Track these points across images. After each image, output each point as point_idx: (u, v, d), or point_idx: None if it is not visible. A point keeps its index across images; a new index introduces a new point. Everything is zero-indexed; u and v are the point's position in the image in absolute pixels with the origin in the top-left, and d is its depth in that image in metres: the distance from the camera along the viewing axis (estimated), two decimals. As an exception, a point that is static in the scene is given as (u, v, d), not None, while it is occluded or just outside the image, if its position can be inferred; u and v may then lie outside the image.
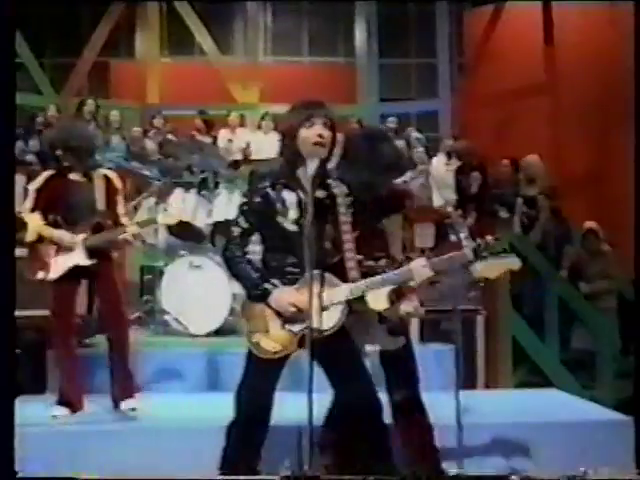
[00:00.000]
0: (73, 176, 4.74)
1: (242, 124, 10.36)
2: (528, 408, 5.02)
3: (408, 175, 7.89)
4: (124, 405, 4.65)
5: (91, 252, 4.63)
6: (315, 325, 3.23)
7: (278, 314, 3.31)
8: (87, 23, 12.79)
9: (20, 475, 3.40)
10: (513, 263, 3.24)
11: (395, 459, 3.57)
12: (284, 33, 14.10)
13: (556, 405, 5.18)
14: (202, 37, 12.50)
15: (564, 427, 4.52)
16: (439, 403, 3.65)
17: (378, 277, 3.31)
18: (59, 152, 4.74)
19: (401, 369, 3.70)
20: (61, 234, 4.63)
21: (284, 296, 3.28)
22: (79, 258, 4.63)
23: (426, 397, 3.93)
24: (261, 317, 3.33)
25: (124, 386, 4.71)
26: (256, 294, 3.33)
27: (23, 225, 4.63)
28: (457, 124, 11.89)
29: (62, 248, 4.63)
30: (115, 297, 4.78)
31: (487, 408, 4.73)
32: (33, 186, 4.74)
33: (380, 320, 3.51)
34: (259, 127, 9.90)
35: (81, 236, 4.63)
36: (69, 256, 4.63)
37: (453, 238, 3.37)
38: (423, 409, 3.73)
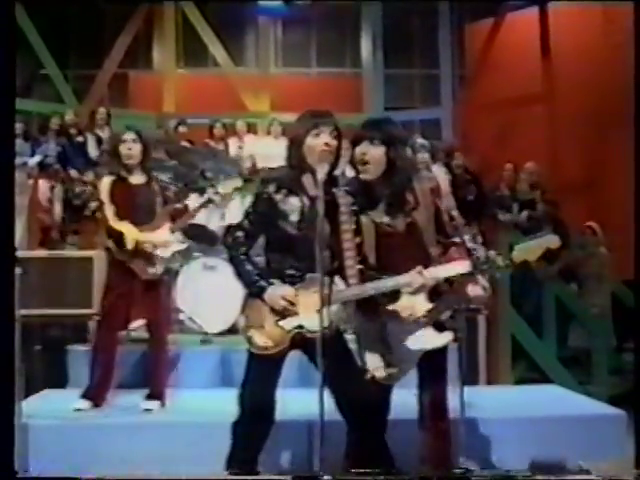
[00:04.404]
0: (134, 179, 4.72)
1: (250, 131, 10.34)
2: (529, 403, 4.97)
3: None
4: (143, 404, 4.64)
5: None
6: (308, 325, 3.22)
7: (273, 311, 3.28)
8: (108, 36, 12.79)
9: (21, 475, 3.37)
10: (551, 241, 3.08)
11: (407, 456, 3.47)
12: (294, 45, 14.05)
13: (556, 400, 5.12)
14: (216, 49, 12.48)
15: (564, 421, 4.46)
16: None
17: (370, 283, 3.23)
18: (110, 161, 4.80)
19: (436, 368, 3.41)
20: (156, 236, 4.66)
21: (277, 291, 3.26)
22: (176, 245, 4.80)
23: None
24: (258, 313, 3.31)
25: (152, 387, 4.70)
26: (252, 290, 3.31)
27: (117, 233, 4.61)
28: (459, 131, 11.84)
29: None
30: (159, 302, 4.80)
31: (489, 403, 4.67)
32: (105, 195, 4.68)
33: (426, 322, 3.27)
34: (268, 133, 9.87)
35: (166, 226, 4.69)
36: (167, 247, 4.71)
37: (457, 240, 3.30)
38: (447, 410, 3.47)
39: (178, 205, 4.91)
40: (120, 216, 4.63)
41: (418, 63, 13.98)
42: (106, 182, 4.70)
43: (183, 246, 4.85)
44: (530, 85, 10.99)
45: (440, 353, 3.33)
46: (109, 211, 4.64)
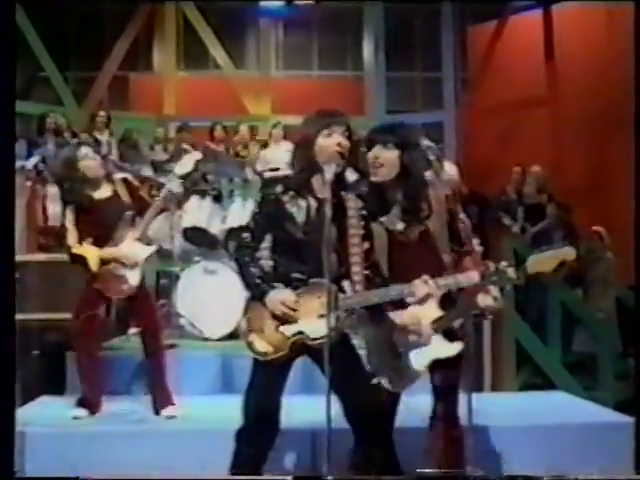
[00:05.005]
0: (97, 195, 4.62)
1: (253, 136, 10.25)
2: (537, 410, 4.88)
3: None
4: (165, 413, 4.57)
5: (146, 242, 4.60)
6: (309, 331, 3.15)
7: (274, 315, 3.20)
8: (108, 39, 12.76)
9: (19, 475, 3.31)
10: (568, 253, 2.97)
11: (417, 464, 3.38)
12: (295, 48, 14.01)
13: (564, 407, 5.04)
14: (217, 51, 12.44)
15: (573, 429, 4.38)
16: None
17: (376, 291, 3.14)
18: (69, 185, 4.66)
19: (448, 377, 3.34)
20: (120, 249, 4.52)
21: (277, 296, 3.18)
22: (145, 250, 4.58)
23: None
24: (259, 317, 3.23)
25: (162, 394, 4.63)
26: (255, 293, 3.24)
27: (80, 258, 4.51)
28: (461, 135, 11.77)
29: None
30: (151, 313, 4.73)
31: (497, 411, 4.58)
32: (69, 221, 4.58)
33: (435, 329, 3.20)
34: (269, 136, 9.77)
35: (129, 235, 4.53)
36: (135, 258, 4.55)
37: (470, 247, 3.21)
38: (458, 419, 3.41)
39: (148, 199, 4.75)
40: (84, 237, 4.53)
41: (420, 66, 13.94)
42: (70, 209, 4.59)
43: (151, 250, 4.60)
44: (534, 88, 10.93)
45: (453, 362, 3.24)
46: (72, 237, 4.54)
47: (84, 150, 4.61)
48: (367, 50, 12.93)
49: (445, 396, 3.35)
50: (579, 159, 10.28)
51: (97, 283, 4.52)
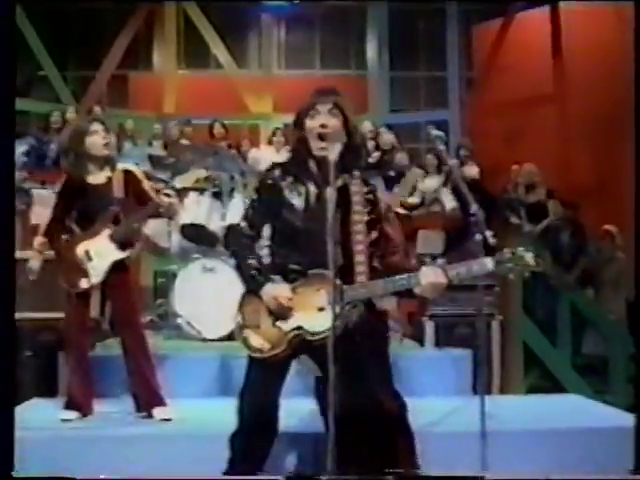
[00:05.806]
0: (92, 179, 4.42)
1: (252, 136, 10.13)
2: (549, 414, 4.69)
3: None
4: (157, 414, 4.36)
5: (122, 244, 4.36)
6: (308, 327, 2.96)
7: (269, 311, 3.02)
8: (107, 37, 12.65)
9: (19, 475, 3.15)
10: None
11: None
12: (297, 46, 13.95)
13: (579, 411, 4.86)
14: (218, 50, 12.38)
15: (587, 433, 4.19)
16: (457, 409, 3.38)
17: (379, 281, 2.94)
18: (72, 157, 4.45)
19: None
20: (91, 243, 4.34)
21: (272, 290, 2.98)
22: (115, 254, 4.35)
23: (444, 403, 3.69)
24: (255, 312, 3.05)
25: (152, 394, 4.42)
26: (250, 286, 3.06)
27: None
28: (466, 133, 11.65)
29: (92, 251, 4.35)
30: (129, 306, 4.49)
31: (507, 414, 4.39)
32: (59, 193, 4.46)
33: None
34: (270, 143, 9.58)
35: (106, 232, 4.34)
36: (104, 256, 4.34)
37: (478, 237, 3.01)
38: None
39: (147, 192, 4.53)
40: (65, 219, 4.40)
41: (424, 65, 13.83)
42: (61, 184, 4.46)
43: (122, 255, 4.36)
44: (539, 86, 10.88)
45: None
46: (57, 210, 4.42)
47: (96, 126, 4.41)
48: (371, 48, 12.87)
49: None
50: (585, 157, 10.19)
51: (60, 272, 4.41)
